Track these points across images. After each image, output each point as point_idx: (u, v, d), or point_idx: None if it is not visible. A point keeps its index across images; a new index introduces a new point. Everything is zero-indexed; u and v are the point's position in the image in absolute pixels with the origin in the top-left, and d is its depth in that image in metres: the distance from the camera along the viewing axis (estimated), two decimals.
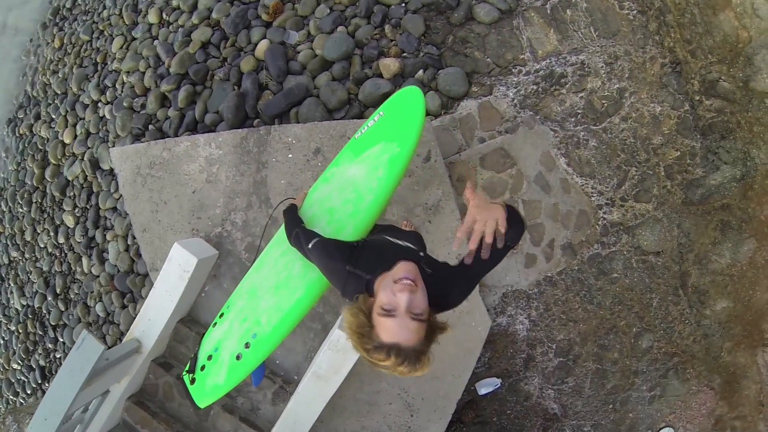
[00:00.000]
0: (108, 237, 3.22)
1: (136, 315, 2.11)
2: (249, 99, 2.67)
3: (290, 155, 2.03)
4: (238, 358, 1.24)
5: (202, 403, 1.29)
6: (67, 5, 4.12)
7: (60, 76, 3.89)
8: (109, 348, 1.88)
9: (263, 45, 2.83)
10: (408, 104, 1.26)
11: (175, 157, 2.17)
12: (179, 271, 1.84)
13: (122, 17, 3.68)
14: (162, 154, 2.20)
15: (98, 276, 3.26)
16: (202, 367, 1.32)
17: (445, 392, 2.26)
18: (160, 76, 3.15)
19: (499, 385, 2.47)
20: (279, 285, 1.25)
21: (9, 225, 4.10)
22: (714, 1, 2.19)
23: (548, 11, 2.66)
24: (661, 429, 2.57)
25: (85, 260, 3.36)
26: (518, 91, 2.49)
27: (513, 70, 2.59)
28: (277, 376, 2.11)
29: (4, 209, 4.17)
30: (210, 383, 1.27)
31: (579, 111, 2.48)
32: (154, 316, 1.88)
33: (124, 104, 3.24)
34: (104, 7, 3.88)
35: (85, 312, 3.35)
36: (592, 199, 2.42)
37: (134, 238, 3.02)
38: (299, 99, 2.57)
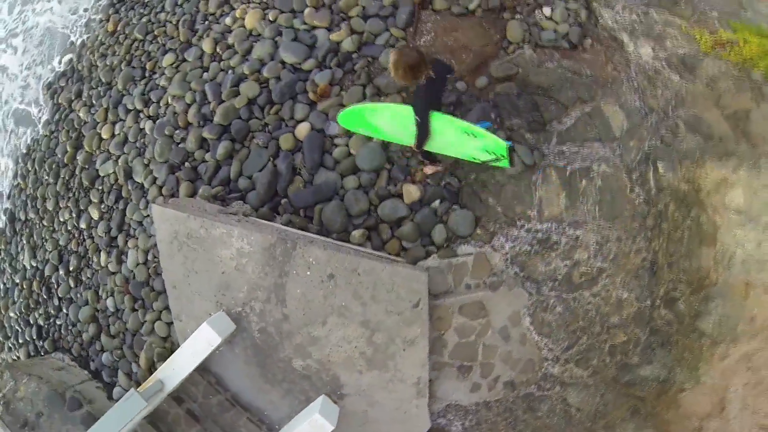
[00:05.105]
0: (130, 244, 4.04)
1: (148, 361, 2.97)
2: (282, 181, 3.37)
3: (308, 272, 2.81)
4: None
5: None
6: None
7: (108, 63, 4.47)
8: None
9: (304, 128, 3.46)
10: None
11: (211, 238, 2.94)
12: (205, 343, 2.70)
13: (177, 29, 4.21)
14: (200, 230, 2.95)
15: (114, 273, 4.11)
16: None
17: None
18: (203, 117, 3.78)
19: None
20: None
21: (32, 186, 4.86)
22: (703, 234, 2.85)
23: (567, 174, 3.31)
24: None
25: (103, 255, 4.18)
26: (514, 246, 3.21)
27: (517, 222, 3.28)
28: (263, 424, 3.08)
29: (30, 169, 4.92)
30: None
31: (559, 277, 3.23)
32: (178, 368, 2.76)
33: (166, 132, 3.90)
34: (162, 9, 4.38)
35: (95, 298, 4.23)
36: (542, 352, 3.25)
37: (155, 256, 3.84)
38: (326, 198, 3.29)
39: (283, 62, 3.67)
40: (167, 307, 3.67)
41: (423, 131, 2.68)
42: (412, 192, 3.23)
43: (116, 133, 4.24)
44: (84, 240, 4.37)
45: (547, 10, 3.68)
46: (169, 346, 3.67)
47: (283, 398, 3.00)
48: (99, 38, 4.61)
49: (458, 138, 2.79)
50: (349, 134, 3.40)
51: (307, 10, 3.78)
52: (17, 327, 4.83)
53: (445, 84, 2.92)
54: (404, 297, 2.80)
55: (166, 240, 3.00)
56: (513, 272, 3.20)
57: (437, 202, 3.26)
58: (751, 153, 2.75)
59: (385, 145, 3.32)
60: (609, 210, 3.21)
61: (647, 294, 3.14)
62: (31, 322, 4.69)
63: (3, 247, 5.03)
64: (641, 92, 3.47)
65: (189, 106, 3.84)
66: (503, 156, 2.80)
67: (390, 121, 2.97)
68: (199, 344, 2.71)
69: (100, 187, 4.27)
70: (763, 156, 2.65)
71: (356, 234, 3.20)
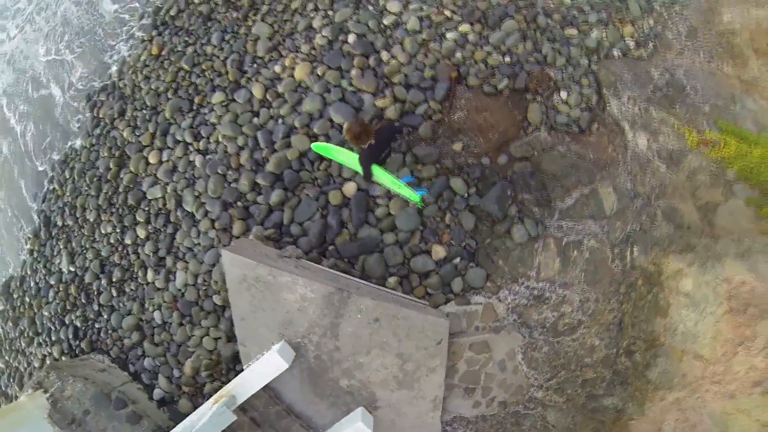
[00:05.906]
0: (179, 266, 4.76)
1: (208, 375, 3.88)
2: (331, 232, 4.18)
3: (359, 316, 3.72)
4: None
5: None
6: (171, 12, 4.97)
7: (153, 87, 4.91)
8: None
9: (351, 187, 4.23)
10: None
11: (277, 283, 3.77)
12: (273, 368, 3.61)
13: (226, 67, 4.73)
14: (268, 276, 3.77)
15: (161, 290, 4.85)
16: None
17: None
18: (256, 162, 4.45)
19: None
20: None
21: (70, 194, 5.35)
22: (659, 307, 3.97)
23: (562, 244, 4.33)
24: None
25: (150, 272, 4.87)
26: (515, 299, 4.25)
27: (519, 280, 4.31)
28: (311, 429, 4.08)
29: (67, 177, 5.38)
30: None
31: (547, 325, 4.31)
32: (248, 385, 3.66)
33: (219, 171, 4.55)
34: (209, 41, 4.83)
35: (140, 310, 4.96)
36: (529, 380, 4.40)
37: (205, 280, 4.63)
38: (369, 251, 4.16)
39: (331, 120, 4.37)
40: (216, 326, 4.54)
41: (366, 176, 3.72)
42: (439, 251, 4.15)
43: (164, 160, 4.79)
44: (128, 254, 5.01)
45: (563, 94, 4.53)
46: (215, 359, 4.55)
47: (329, 409, 4.01)
48: (142, 59, 5.01)
49: (391, 184, 3.82)
50: (389, 196, 4.24)
51: (353, 72, 4.43)
52: (50, 325, 5.39)
53: (390, 143, 3.92)
54: (431, 336, 3.79)
55: (236, 281, 3.81)
56: (512, 319, 4.26)
57: (458, 259, 4.20)
58: (704, 253, 3.84)
59: (421, 211, 4.20)
60: (592, 276, 4.27)
61: (614, 344, 4.30)
62: (67, 322, 5.27)
63: (37, 248, 5.58)
64: (633, 176, 4.47)
65: (241, 149, 4.48)
66: (417, 202, 3.82)
67: (346, 159, 3.98)
68: (268, 367, 3.63)
69: (147, 209, 4.88)
70: (711, 258, 3.74)
71: (392, 280, 4.12)
